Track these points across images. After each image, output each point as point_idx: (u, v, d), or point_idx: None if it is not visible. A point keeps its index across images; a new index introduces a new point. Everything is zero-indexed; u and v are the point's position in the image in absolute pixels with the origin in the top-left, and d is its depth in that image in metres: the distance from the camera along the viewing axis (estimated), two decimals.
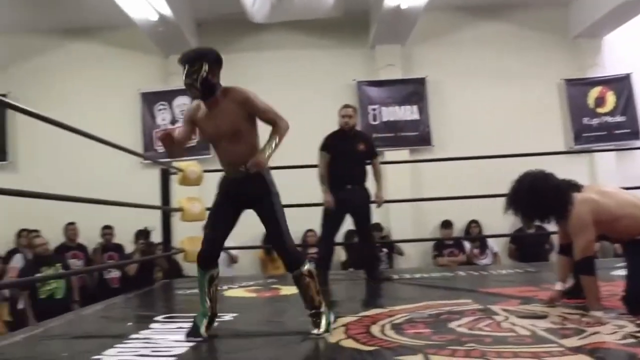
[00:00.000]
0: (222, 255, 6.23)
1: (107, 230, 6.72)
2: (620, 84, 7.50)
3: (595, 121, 7.45)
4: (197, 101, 2.69)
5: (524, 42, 7.56)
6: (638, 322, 2.42)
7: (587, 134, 7.41)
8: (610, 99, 7.52)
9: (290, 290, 4.07)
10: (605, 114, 7.44)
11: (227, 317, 3.01)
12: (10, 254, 6.52)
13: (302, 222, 6.63)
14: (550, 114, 7.48)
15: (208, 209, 5.14)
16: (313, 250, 6.19)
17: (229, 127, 2.59)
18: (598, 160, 7.31)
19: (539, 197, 2.81)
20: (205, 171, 5.30)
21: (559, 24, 7.74)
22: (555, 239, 6.87)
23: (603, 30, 7.48)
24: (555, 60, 7.64)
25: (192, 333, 2.53)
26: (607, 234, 2.95)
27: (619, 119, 7.47)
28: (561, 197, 2.79)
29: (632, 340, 2.13)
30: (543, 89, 7.54)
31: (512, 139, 6.71)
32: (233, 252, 6.43)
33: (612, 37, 7.62)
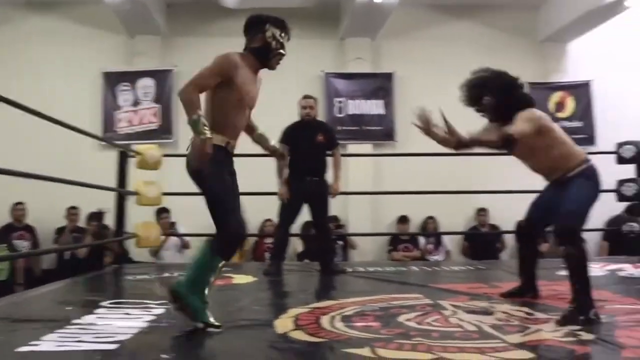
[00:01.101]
0: (174, 241, 6.19)
1: (72, 210, 6.47)
2: (581, 90, 7.68)
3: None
4: (233, 56, 2.52)
5: (493, 43, 7.63)
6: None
7: None
8: (570, 104, 7.70)
9: (244, 279, 4.06)
10: (564, 119, 7.61)
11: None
12: None
13: (261, 212, 6.62)
14: None
15: (165, 193, 5.11)
16: (270, 240, 6.17)
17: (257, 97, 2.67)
18: None
19: (511, 85, 2.94)
20: (165, 155, 5.20)
21: (528, 27, 7.85)
22: (507, 239, 7.05)
23: (568, 37, 7.64)
24: (522, 62, 7.71)
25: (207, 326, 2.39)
26: (534, 159, 2.89)
27: (576, 124, 7.65)
28: (526, 95, 2.98)
29: (572, 338, 2.18)
30: None
31: None
32: (186, 238, 6.33)
33: (576, 43, 7.78)
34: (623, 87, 7.73)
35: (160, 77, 7.34)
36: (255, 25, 2.62)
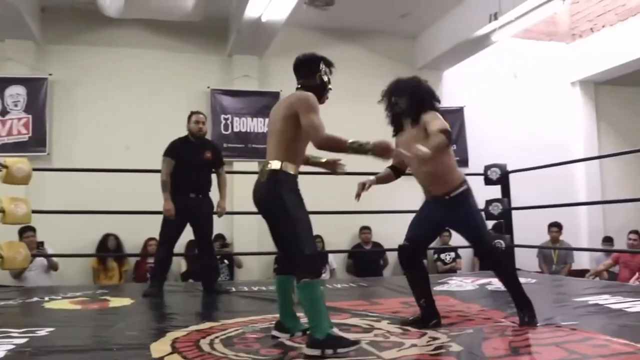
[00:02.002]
0: (40, 261, 5.76)
1: None
2: (454, 115, 8.23)
3: None
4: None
5: (376, 68, 7.91)
6: (450, 334, 2.62)
7: None
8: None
9: (121, 302, 3.86)
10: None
11: (42, 332, 2.73)
12: None
13: (143, 230, 6.37)
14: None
15: (35, 211, 4.75)
16: (152, 260, 5.94)
17: None
18: None
19: (424, 88, 3.06)
20: (36, 170, 4.85)
21: (407, 55, 8.30)
22: (389, 256, 7.35)
23: (443, 65, 8.18)
24: None
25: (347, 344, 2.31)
26: (432, 162, 2.79)
27: (452, 147, 8.16)
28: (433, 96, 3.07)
29: (442, 350, 2.30)
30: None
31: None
32: (54, 259, 5.91)
33: (450, 72, 8.35)
34: (490, 113, 8.40)
35: (33, 85, 6.84)
36: (310, 64, 2.82)
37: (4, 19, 6.32)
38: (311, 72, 2.78)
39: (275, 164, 2.60)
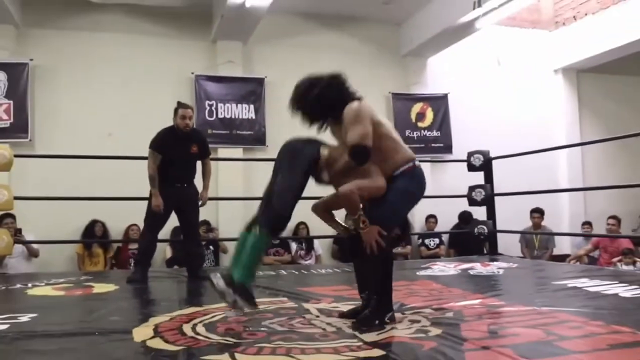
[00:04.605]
0: (20, 248, 5.72)
1: None
2: (438, 102, 8.27)
3: (415, 134, 8.14)
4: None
5: (360, 55, 7.97)
6: (430, 317, 2.66)
7: (409, 145, 7.95)
8: (429, 115, 8.25)
9: (105, 288, 3.86)
10: (424, 128, 8.16)
11: (24, 318, 2.73)
12: None
13: (126, 217, 6.35)
14: None
15: (16, 197, 4.72)
16: (135, 246, 5.94)
17: None
18: None
19: (325, 88, 2.64)
20: (17, 156, 4.81)
21: (391, 42, 8.31)
22: None
23: (428, 52, 8.20)
24: (386, 74, 8.18)
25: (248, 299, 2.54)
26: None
27: (435, 133, 8.23)
28: (346, 92, 2.66)
29: (421, 334, 2.34)
30: (374, 100, 8.01)
31: None
32: (34, 245, 5.88)
33: (435, 59, 8.37)
34: (474, 99, 8.45)
35: (14, 70, 6.74)
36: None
37: None
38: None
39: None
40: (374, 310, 2.57)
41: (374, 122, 2.57)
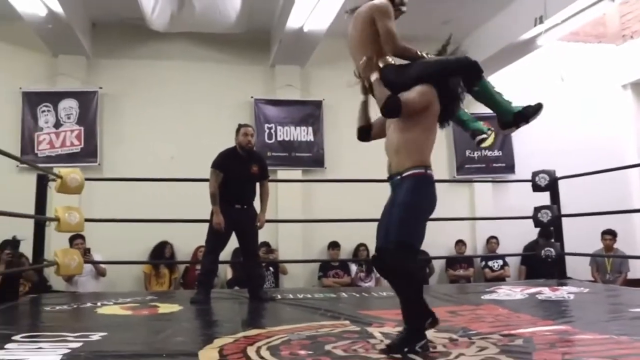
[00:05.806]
0: (89, 267, 5.93)
1: None
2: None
3: (476, 154, 7.97)
4: None
5: None
6: (499, 344, 2.56)
7: (469, 165, 7.90)
8: (492, 134, 8.04)
9: (170, 308, 3.94)
10: (485, 148, 7.98)
11: (95, 336, 2.81)
12: None
13: (193, 238, 6.48)
14: (436, 145, 7.86)
15: (87, 220, 4.91)
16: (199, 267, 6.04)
17: None
18: (477, 189, 7.81)
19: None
20: (88, 179, 5.02)
21: None
22: (435, 264, 7.28)
23: (488, 70, 7.90)
24: None
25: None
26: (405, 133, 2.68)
27: (496, 153, 8.04)
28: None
29: None
30: None
31: None
32: (101, 265, 6.08)
33: (494, 77, 8.17)
34: (538, 117, 8.17)
35: (84, 98, 7.11)
36: None
37: (58, 36, 6.60)
38: None
39: None
40: (404, 337, 2.49)
41: (433, 106, 2.67)
